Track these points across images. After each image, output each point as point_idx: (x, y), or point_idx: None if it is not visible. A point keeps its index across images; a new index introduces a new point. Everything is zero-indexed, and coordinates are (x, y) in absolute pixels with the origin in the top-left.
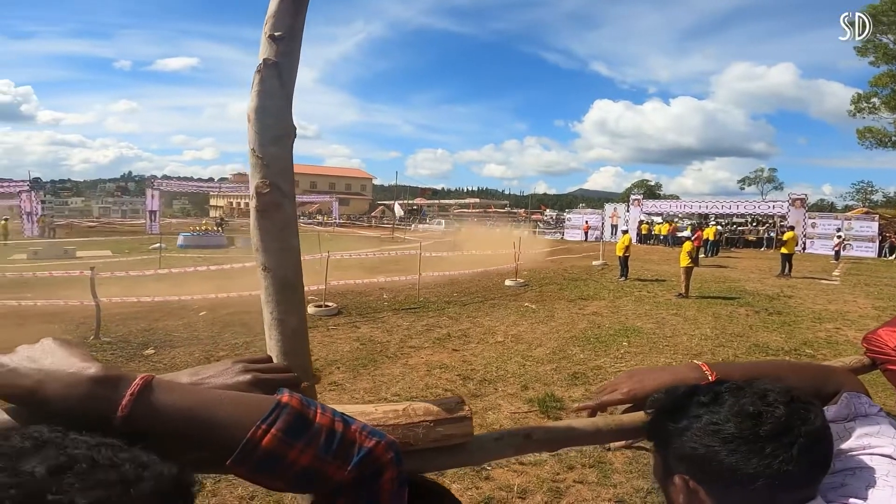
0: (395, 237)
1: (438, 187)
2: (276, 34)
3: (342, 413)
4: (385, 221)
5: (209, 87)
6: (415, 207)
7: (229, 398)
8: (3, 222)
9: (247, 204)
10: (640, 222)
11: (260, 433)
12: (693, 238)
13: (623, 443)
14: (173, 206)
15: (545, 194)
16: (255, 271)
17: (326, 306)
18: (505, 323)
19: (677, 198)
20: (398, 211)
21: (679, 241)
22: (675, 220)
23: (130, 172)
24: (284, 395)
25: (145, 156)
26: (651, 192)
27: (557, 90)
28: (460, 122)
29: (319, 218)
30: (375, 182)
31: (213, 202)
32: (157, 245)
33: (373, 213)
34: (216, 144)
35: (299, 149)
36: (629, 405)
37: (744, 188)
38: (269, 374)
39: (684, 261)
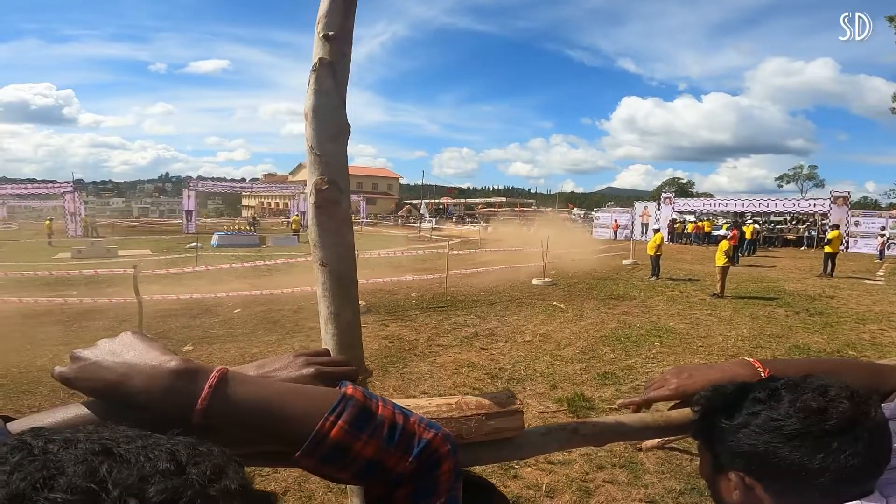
0: (422, 236)
1: (464, 186)
2: (329, 34)
3: (400, 405)
4: (412, 221)
5: (239, 88)
6: (441, 206)
7: (297, 390)
8: (48, 222)
9: (276, 204)
10: (673, 221)
11: (328, 425)
12: (729, 237)
13: (655, 442)
14: (208, 206)
15: (572, 192)
16: (285, 269)
17: None
18: (533, 322)
19: (711, 196)
20: (424, 210)
21: (711, 240)
22: (710, 218)
23: (167, 173)
24: (348, 388)
25: (181, 157)
26: (683, 189)
27: (583, 88)
28: (485, 121)
29: None
30: (402, 181)
31: (244, 202)
32: (194, 244)
33: (399, 213)
34: (247, 146)
35: None
36: (676, 401)
37: (782, 186)
38: (330, 368)
39: (720, 260)
